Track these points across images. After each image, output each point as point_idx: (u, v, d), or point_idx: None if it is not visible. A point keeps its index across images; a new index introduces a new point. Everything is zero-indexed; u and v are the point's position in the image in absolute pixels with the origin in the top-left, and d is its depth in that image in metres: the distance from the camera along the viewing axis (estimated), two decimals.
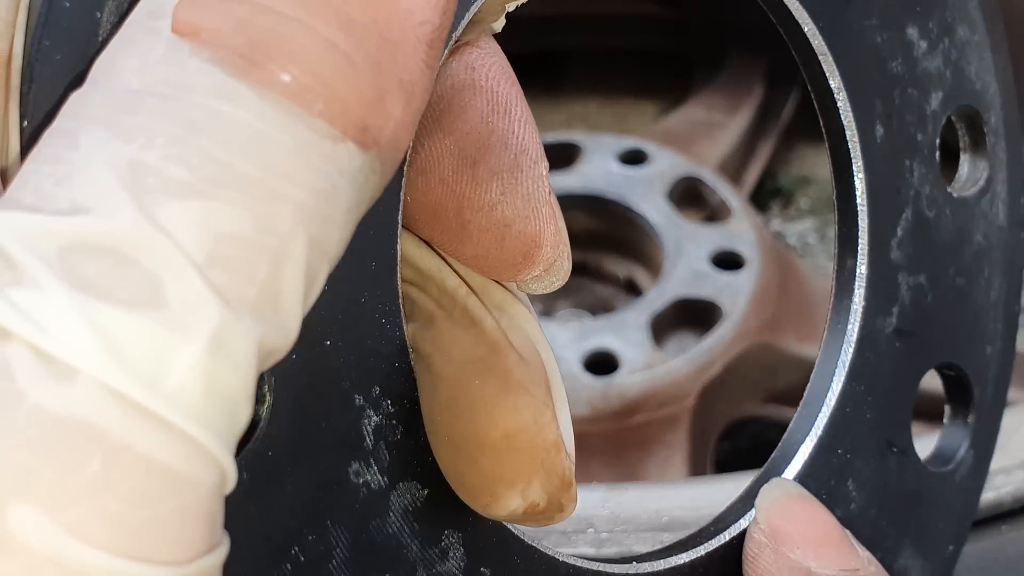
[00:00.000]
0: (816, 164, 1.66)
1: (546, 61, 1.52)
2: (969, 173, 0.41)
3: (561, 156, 1.25)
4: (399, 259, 0.26)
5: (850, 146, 0.37)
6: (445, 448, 0.26)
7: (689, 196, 1.20)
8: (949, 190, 0.39)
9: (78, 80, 0.19)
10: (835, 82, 0.36)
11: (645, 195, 1.18)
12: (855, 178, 0.37)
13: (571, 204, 1.19)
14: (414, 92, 0.19)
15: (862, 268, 0.37)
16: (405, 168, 0.25)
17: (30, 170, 0.18)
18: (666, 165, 1.21)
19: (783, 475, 0.37)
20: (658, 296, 1.09)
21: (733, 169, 1.33)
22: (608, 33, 1.51)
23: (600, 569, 0.32)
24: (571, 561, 0.32)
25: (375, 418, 0.26)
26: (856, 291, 0.38)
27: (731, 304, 1.07)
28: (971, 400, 0.41)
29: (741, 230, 1.14)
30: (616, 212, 1.19)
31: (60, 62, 0.21)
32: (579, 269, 1.25)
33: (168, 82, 0.18)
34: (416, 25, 0.19)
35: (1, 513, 0.15)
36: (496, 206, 0.25)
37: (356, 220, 0.20)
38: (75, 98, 0.19)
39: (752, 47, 1.39)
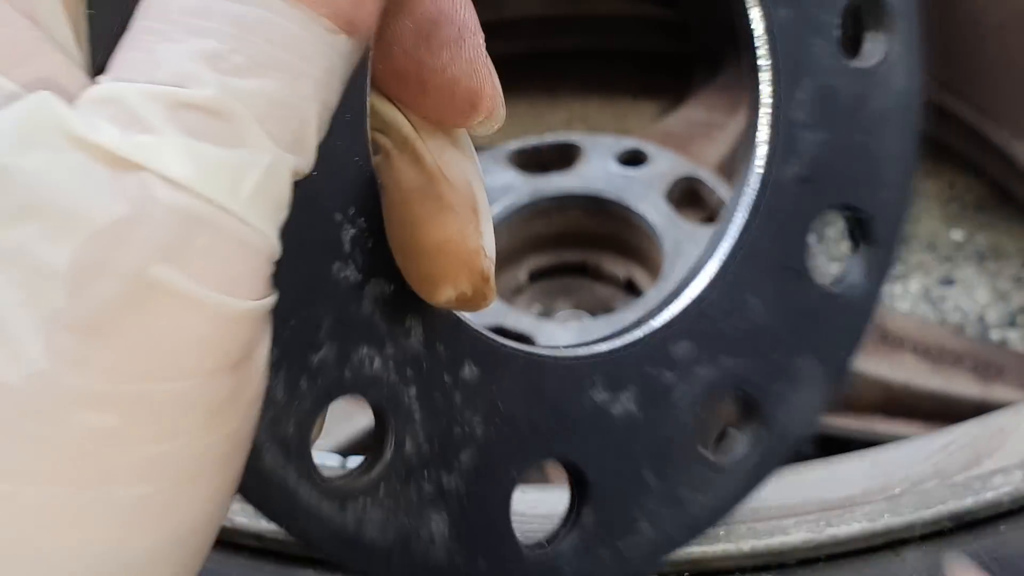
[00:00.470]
0: None
1: (546, 61, 1.52)
2: (871, 47, 0.46)
3: (561, 156, 1.25)
4: (368, 112, 0.34)
5: (754, 26, 0.43)
6: (399, 253, 0.35)
7: (688, 197, 1.20)
8: (850, 62, 0.45)
9: None
10: None
11: (644, 196, 1.18)
12: (758, 50, 0.43)
13: (571, 204, 1.19)
14: None
15: (765, 125, 0.44)
16: (372, 42, 0.32)
17: (133, 57, 0.26)
18: (665, 166, 1.21)
19: (690, 287, 0.44)
20: (658, 296, 1.08)
21: (732, 169, 1.33)
22: (608, 33, 1.51)
23: (530, 351, 0.40)
24: (508, 344, 0.39)
25: (352, 230, 0.34)
26: (759, 142, 0.44)
27: None
28: (868, 235, 0.46)
29: None
30: (615, 213, 1.19)
31: None
32: (579, 269, 1.25)
33: None
34: None
35: (147, 271, 0.24)
36: (447, 68, 0.33)
37: (345, 83, 0.29)
38: (152, 2, 0.26)
39: (751, 47, 1.39)
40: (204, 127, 0.25)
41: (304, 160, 0.27)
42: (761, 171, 0.44)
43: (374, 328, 0.36)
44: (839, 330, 0.46)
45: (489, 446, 0.39)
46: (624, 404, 0.42)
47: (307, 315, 0.34)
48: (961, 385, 1.15)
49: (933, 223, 1.53)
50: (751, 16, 0.43)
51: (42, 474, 0.24)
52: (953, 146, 1.57)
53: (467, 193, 0.34)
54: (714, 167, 1.26)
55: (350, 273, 0.35)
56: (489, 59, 0.33)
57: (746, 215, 0.44)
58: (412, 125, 0.34)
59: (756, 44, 0.43)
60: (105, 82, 0.25)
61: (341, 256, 0.34)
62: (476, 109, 0.33)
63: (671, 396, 0.43)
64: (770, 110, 0.44)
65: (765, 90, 0.43)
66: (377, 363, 0.36)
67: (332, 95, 0.28)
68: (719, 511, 0.44)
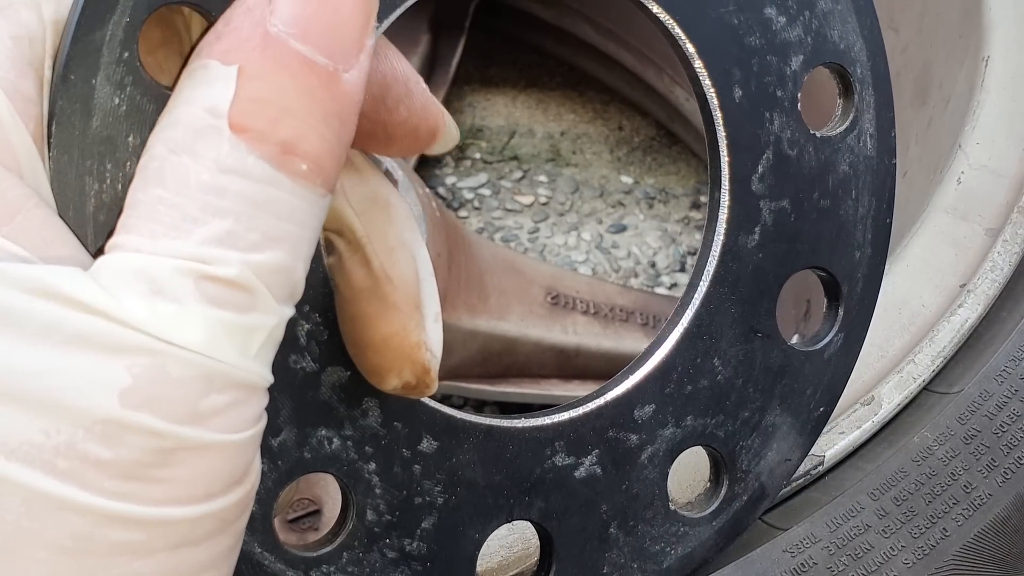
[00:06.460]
0: (488, 113, 1.64)
1: None
2: (841, 113, 0.48)
3: None
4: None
5: (711, 107, 0.46)
6: (349, 346, 0.39)
7: None
8: (813, 132, 0.47)
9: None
10: (697, 62, 0.45)
11: None
12: (717, 131, 0.46)
13: None
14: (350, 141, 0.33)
15: (725, 198, 0.46)
16: None
17: (154, 230, 0.29)
18: None
19: (654, 355, 0.46)
20: None
21: None
22: None
23: (490, 422, 0.42)
24: (464, 417, 0.42)
25: (307, 326, 0.38)
26: (721, 216, 0.46)
27: None
28: (840, 294, 0.48)
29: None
30: None
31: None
32: None
33: (237, 172, 0.30)
34: (357, 104, 0.32)
35: (171, 430, 0.29)
36: (406, 120, 0.37)
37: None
38: (168, 171, 0.30)
39: (711, 125, 1.35)
40: (224, 298, 0.29)
41: (294, 305, 0.32)
42: (722, 242, 0.46)
43: (332, 411, 0.39)
44: (811, 385, 0.48)
45: (450, 512, 0.41)
46: (587, 467, 0.44)
47: (267, 404, 0.36)
48: (631, 342, 1.17)
49: (603, 168, 1.54)
50: (708, 97, 0.46)
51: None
52: (620, 91, 1.59)
53: (411, 292, 0.37)
54: None
55: (306, 364, 0.39)
56: (432, 95, 0.39)
57: (708, 284, 0.46)
58: (363, 230, 0.37)
59: (715, 124, 0.46)
60: (126, 252, 0.29)
61: (297, 349, 0.38)
62: (436, 137, 0.38)
63: (637, 457, 0.45)
64: (729, 184, 0.46)
65: (725, 165, 0.46)
66: (336, 443, 0.39)
67: (315, 244, 0.32)
68: (692, 561, 0.46)
